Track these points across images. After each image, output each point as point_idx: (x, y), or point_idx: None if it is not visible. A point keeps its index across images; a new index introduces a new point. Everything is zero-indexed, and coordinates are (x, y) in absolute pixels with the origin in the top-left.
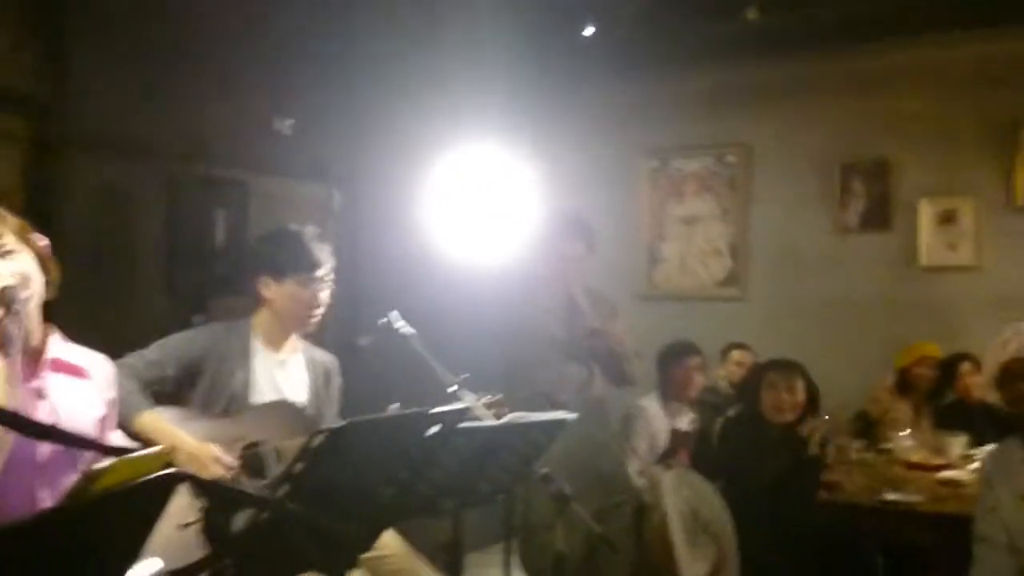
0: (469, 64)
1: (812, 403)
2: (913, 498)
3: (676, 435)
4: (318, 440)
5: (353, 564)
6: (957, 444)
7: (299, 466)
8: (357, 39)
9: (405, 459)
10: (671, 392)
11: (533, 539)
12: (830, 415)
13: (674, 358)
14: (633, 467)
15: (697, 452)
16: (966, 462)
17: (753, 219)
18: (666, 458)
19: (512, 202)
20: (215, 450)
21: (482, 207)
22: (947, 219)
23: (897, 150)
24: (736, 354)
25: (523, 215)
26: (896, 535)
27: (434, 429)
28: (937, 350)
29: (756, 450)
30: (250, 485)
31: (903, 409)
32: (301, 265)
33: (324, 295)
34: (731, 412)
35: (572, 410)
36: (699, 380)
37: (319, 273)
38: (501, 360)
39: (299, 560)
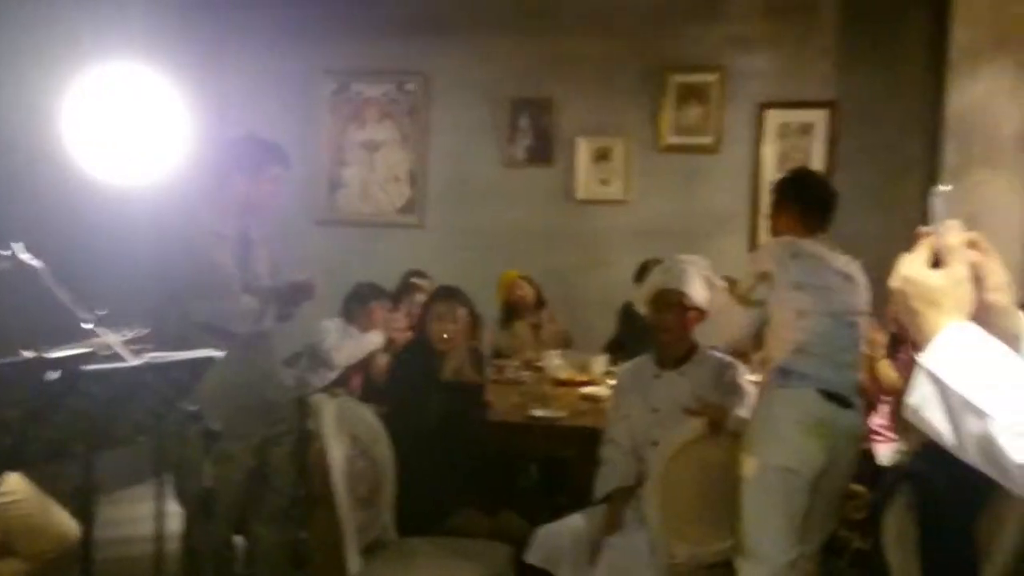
0: None
1: (474, 329)
2: (556, 414)
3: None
4: None
5: None
6: (599, 362)
7: None
8: None
9: (21, 407)
10: (355, 324)
11: (186, 475)
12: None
13: (358, 303)
14: (305, 393)
15: (367, 378)
16: (608, 378)
17: (431, 148)
18: (340, 384)
19: (164, 121)
20: None
21: (128, 126)
22: (601, 156)
23: (560, 89)
24: (418, 281)
25: (177, 135)
26: (542, 449)
27: (54, 375)
28: (516, 273)
29: (427, 380)
30: None
31: (520, 332)
32: None
33: None
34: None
35: (243, 342)
36: (381, 319)
37: None
38: (156, 290)
39: None
